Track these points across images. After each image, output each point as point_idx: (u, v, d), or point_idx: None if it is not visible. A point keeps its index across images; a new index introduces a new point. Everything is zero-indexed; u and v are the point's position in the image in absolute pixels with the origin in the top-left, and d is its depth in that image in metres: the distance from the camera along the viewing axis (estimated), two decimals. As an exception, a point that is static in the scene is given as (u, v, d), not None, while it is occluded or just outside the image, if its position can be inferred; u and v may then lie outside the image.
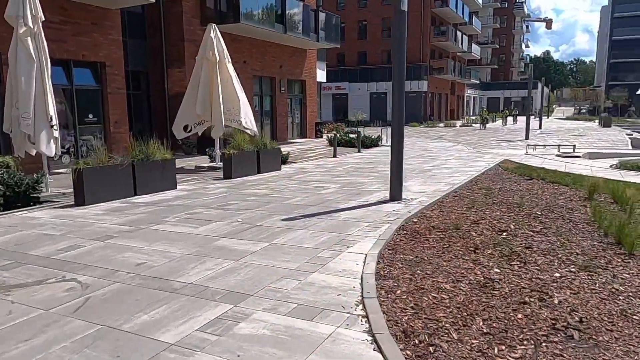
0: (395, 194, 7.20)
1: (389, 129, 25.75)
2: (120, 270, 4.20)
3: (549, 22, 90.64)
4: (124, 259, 4.53)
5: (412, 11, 42.29)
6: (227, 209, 6.84)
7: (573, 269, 4.23)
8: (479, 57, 61.74)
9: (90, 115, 12.69)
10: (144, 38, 16.55)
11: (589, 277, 4.07)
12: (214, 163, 12.65)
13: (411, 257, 4.44)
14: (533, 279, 3.95)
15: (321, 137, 24.43)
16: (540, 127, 36.86)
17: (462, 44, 48.03)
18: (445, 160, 14.19)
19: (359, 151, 17.68)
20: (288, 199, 7.59)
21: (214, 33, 11.83)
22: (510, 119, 43.62)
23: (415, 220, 5.92)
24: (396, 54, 6.93)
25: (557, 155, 15.85)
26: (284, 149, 17.24)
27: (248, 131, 12.07)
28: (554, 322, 3.16)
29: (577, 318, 3.23)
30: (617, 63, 66.57)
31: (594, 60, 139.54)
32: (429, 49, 43.22)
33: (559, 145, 20.47)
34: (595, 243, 5.16)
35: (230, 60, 12.22)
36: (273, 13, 18.19)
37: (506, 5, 73.96)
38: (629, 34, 64.76)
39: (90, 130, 12.77)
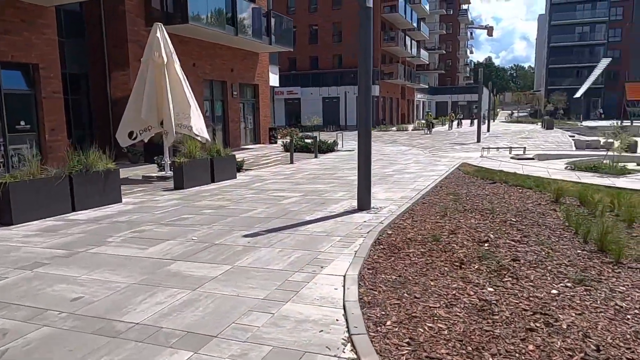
0: (364, 203, 6.73)
1: (344, 133, 25.34)
2: (50, 309, 3.45)
3: (490, 30, 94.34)
4: (55, 294, 3.77)
5: (363, 16, 42.57)
6: (180, 225, 6.12)
7: (568, 284, 3.89)
8: (427, 63, 63.09)
9: (23, 122, 11.48)
10: (83, 38, 15.36)
11: (587, 292, 3.74)
12: (164, 172, 11.77)
13: (394, 277, 3.95)
14: (531, 298, 3.56)
15: (275, 142, 23.80)
16: (488, 130, 37.82)
17: (411, 49, 48.80)
18: (405, 164, 13.95)
19: (315, 156, 17.21)
20: (247, 211, 6.95)
21: (161, 33, 11.00)
22: (455, 123, 44.28)
23: (389, 232, 5.46)
24: (362, 52, 6.48)
25: (511, 158, 16.02)
26: (238, 155, 16.50)
27: (199, 138, 11.30)
28: (570, 353, 2.75)
29: (592, 346, 2.84)
30: (555, 68, 69.88)
31: (532, 65, 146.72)
32: (380, 54, 43.56)
33: (510, 148, 20.86)
34: (579, 251, 4.89)
35: (178, 62, 11.42)
36: (223, 14, 17.44)
37: (451, 12, 76.21)
38: (564, 40, 68.20)
39: (23, 138, 11.55)
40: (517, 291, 3.70)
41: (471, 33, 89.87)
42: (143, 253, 4.82)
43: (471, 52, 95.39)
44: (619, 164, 12.77)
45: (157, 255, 4.72)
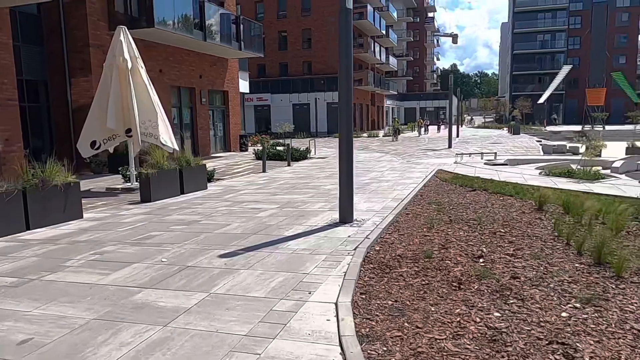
0: (346, 216, 6.35)
1: (316, 140, 24.97)
2: (-9, 356, 2.91)
3: (454, 37, 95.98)
4: None
5: (333, 22, 42.46)
6: (148, 244, 5.59)
7: (577, 304, 3.60)
8: (396, 69, 63.67)
9: (-28, 132, 10.64)
10: (41, 43, 14.50)
11: (598, 314, 3.45)
12: (129, 184, 11.11)
13: (391, 303, 3.57)
14: (542, 324, 3.24)
15: (246, 150, 23.25)
16: (458, 136, 38.23)
17: (380, 56, 49.06)
18: (381, 172, 13.68)
19: (289, 164, 16.77)
20: (222, 227, 6.46)
21: (125, 37, 10.40)
22: (422, 129, 43.96)
23: (377, 248, 5.09)
24: (343, 56, 6.14)
25: (485, 164, 16.00)
26: (209, 164, 15.89)
27: (166, 147, 10.72)
28: (602, 393, 2.43)
29: (623, 382, 2.53)
30: (518, 75, 71.80)
31: (496, 72, 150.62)
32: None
33: (482, 153, 20.98)
34: (576, 265, 4.64)
35: (144, 67, 10.83)
36: (191, 19, 16.86)
37: (418, 20, 77.34)
38: (527, 48, 70.17)
39: (-27, 149, 10.70)
40: (525, 315, 3.38)
41: (437, 40, 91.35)
42: (105, 279, 4.29)
43: (438, 59, 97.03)
44: (588, 168, 12.87)
45: (121, 282, 4.20)
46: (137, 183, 10.25)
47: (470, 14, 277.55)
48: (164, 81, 17.76)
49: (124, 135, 10.47)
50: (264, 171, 14.70)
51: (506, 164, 15.94)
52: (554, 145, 28.03)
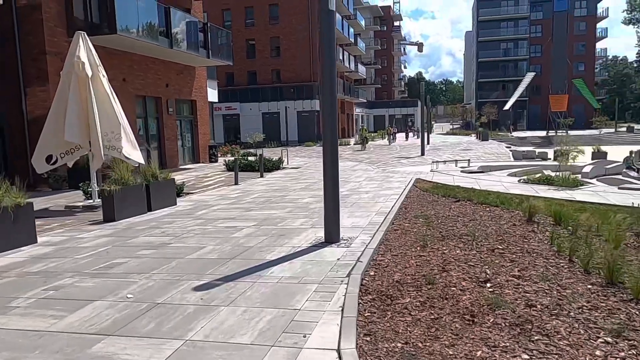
0: (333, 235, 5.83)
1: (288, 149, 24.38)
2: None
3: (420, 46, 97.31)
4: None
5: (301, 31, 42.19)
6: (111, 275, 4.92)
7: (608, 339, 3.18)
8: (365, 77, 63.89)
9: None
10: (-9, 50, 13.49)
11: (634, 349, 3.04)
12: (91, 201, 10.30)
13: (400, 345, 3.07)
14: (579, 367, 2.80)
15: (216, 161, 22.48)
16: (428, 143, 38.40)
17: (349, 64, 49.02)
18: (359, 182, 13.24)
19: (261, 176, 16.16)
20: (195, 250, 5.83)
21: (84, 42, 9.64)
22: (391, 137, 42.47)
23: (372, 273, 4.58)
24: (326, 60, 5.66)
25: (462, 171, 15.81)
26: (178, 177, 15.13)
27: (131, 160, 9.98)
28: None
29: None
30: (483, 82, 73.30)
31: (460, 79, 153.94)
32: (319, 68, 43.30)
33: (456, 161, 20.91)
34: (588, 286, 4.26)
35: (105, 75, 10.07)
36: (156, 25, 16.11)
37: (385, 29, 78.11)
38: (491, 56, 71.79)
39: None
40: (556, 356, 2.93)
41: (404, 49, 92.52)
42: (59, 324, 3.62)
43: (405, 67, 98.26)
44: (567, 174, 12.80)
45: (78, 328, 3.54)
46: (99, 200, 9.46)
47: (434, 24, 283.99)
48: (128, 90, 16.91)
49: (83, 148, 9.69)
50: (236, 183, 14.05)
51: (482, 172, 15.80)
52: (524, 151, 28.38)
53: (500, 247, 5.61)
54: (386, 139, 43.61)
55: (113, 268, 5.16)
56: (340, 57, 45.03)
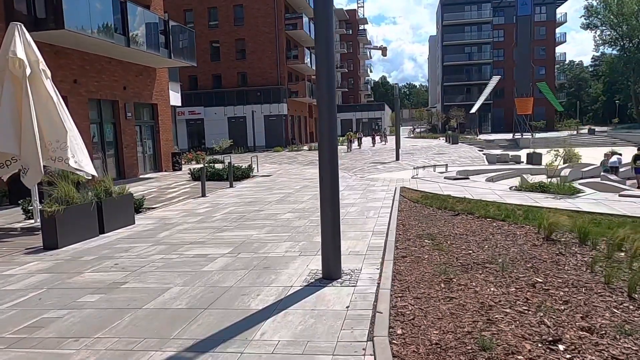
0: (333, 270, 4.65)
1: (259, 154, 23.00)
2: None
3: (384, 50, 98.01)
4: None
5: (267, 32, 40.89)
6: (37, 342, 3.57)
7: None
8: (332, 81, 63.06)
9: None
10: None
11: None
12: (32, 221, 8.77)
13: None
14: None
15: (180, 169, 20.92)
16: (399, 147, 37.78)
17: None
18: (341, 192, 12.11)
19: (231, 185, 14.81)
20: (156, 294, 4.53)
21: (21, 36, 8.13)
22: (354, 143, 37.77)
23: (399, 331, 3.42)
24: (323, 47, 4.52)
25: (445, 178, 14.95)
26: (137, 189, 13.60)
27: (82, 173, 8.53)
28: None
29: None
30: (448, 86, 73.82)
31: (422, 84, 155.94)
32: (286, 71, 42.11)
33: (434, 166, 20.15)
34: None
35: (49, 75, 8.58)
36: (111, 21, 14.55)
37: (350, 32, 77.65)
38: (456, 60, 72.35)
39: None
40: None
41: (369, 52, 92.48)
42: None
43: (370, 71, 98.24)
44: (560, 180, 12.09)
45: None
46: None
47: (395, 29, 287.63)
48: (80, 93, 15.26)
49: (22, 160, 8.16)
50: (203, 195, 12.67)
51: (467, 177, 14.99)
52: (497, 155, 28.07)
53: (538, 279, 4.58)
54: (345, 146, 36.17)
55: (41, 330, 3.79)
56: (307, 60, 44.01)
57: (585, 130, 56.20)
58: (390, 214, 8.34)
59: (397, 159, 24.32)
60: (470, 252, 5.66)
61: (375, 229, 7.05)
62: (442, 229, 7.03)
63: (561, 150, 13.64)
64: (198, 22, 41.20)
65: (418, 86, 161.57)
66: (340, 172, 16.95)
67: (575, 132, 55.71)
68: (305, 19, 43.16)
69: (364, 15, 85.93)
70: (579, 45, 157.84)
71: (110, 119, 17.32)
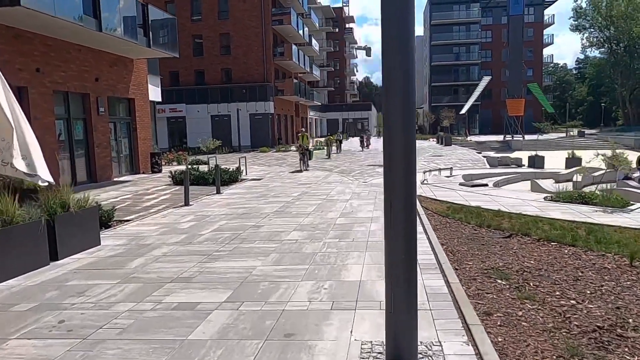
0: (407, 349, 2.87)
1: (246, 155, 21.06)
2: None
3: (368, 50, 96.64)
4: None
5: (253, 27, 38.94)
6: None
7: None
8: (319, 79, 61.36)
9: None
10: None
11: None
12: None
13: None
14: None
15: (160, 171, 18.92)
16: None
17: (304, 64, 46.23)
18: (348, 202, 10.36)
19: (218, 192, 12.93)
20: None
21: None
22: (333, 147, 30.74)
23: None
24: (398, 59, 2.76)
25: (461, 184, 13.32)
26: (109, 195, 11.61)
27: (34, 178, 6.62)
28: None
29: None
30: (436, 86, 72.72)
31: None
32: (273, 68, 40.20)
33: (439, 169, 18.58)
34: None
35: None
36: (79, 1, 12.54)
37: (337, 31, 75.95)
38: (444, 60, 71.27)
39: None
40: None
41: (355, 52, 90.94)
42: None
43: (357, 71, 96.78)
44: (603, 191, 10.57)
45: None
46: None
47: (378, 30, 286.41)
48: (43, 84, 13.22)
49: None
50: (186, 204, 10.80)
51: (485, 185, 13.39)
52: (499, 158, 26.68)
53: None
54: (325, 149, 29.62)
55: None
56: (295, 58, 42.19)
57: (575, 133, 55.54)
58: (427, 235, 6.62)
59: (396, 161, 22.65)
60: (574, 303, 3.98)
61: (421, 260, 5.32)
62: (506, 260, 5.35)
63: (608, 152, 12.05)
64: (180, 14, 38.86)
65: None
66: (337, 176, 15.06)
67: (564, 135, 55.03)
68: (293, 14, 41.34)
69: (348, 13, 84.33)
70: (557, 48, 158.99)
71: (80, 114, 15.28)
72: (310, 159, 21.58)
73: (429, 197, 10.80)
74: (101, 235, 7.47)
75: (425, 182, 14.08)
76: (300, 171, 19.09)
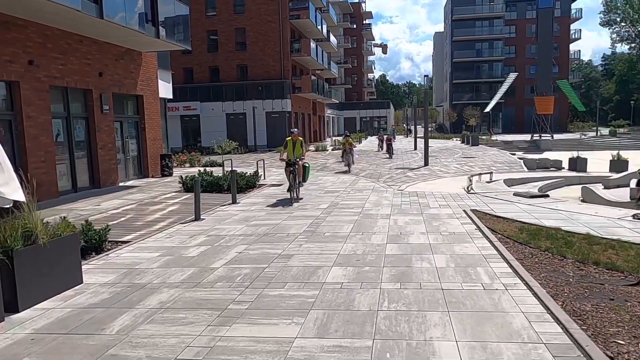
0: None
1: (262, 156, 19.21)
2: None
3: (384, 47, 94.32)
4: None
5: (270, 21, 37.28)
6: None
7: None
8: (337, 76, 59.50)
9: None
10: None
11: None
12: None
13: None
14: None
15: (170, 174, 17.32)
16: (415, 148, 34.49)
17: (322, 60, 44.42)
18: (391, 217, 8.56)
19: (234, 201, 11.25)
20: None
21: None
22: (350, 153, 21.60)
23: None
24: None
25: (516, 194, 11.43)
26: (110, 204, 9.90)
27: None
28: None
29: None
30: (458, 84, 70.20)
31: (421, 82, 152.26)
32: (290, 64, 38.49)
33: (479, 174, 16.68)
34: None
35: None
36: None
37: (355, 27, 73.90)
38: (466, 56, 68.76)
39: None
40: None
41: (372, 48, 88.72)
42: None
43: (374, 68, 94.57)
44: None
45: None
46: None
47: (392, 28, 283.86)
48: (38, 78, 11.68)
49: None
50: (196, 218, 9.12)
51: (547, 195, 11.47)
52: (537, 160, 24.62)
53: None
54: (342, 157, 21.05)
55: None
56: (313, 54, 40.41)
57: (606, 132, 52.79)
58: (522, 279, 4.80)
59: (426, 163, 20.81)
60: None
61: (543, 333, 3.50)
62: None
63: None
64: (194, 9, 37.28)
65: (417, 85, 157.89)
66: (366, 181, 13.09)
67: (594, 134, 52.39)
68: (312, 8, 39.56)
69: (365, 8, 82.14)
70: (576, 45, 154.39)
71: (81, 112, 13.73)
72: (305, 180, 11.93)
73: (486, 212, 8.96)
74: (86, 267, 5.82)
75: (471, 190, 12.22)
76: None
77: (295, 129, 11.91)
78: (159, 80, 17.88)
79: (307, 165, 11.97)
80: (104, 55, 14.28)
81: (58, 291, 5.01)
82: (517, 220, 8.02)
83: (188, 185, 12.82)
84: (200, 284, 5.12)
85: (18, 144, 11.26)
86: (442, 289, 4.58)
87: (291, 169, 11.15)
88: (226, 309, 4.32)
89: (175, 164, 21.31)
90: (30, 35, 11.47)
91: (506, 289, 4.51)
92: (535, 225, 7.59)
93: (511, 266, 5.23)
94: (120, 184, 14.86)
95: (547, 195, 11.28)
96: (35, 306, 4.62)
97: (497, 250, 5.98)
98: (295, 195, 11.23)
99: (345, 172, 17.98)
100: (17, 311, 4.47)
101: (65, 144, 13.06)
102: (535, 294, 4.31)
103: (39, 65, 11.70)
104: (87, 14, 11.16)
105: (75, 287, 5.19)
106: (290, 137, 11.55)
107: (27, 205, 4.80)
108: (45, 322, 4.20)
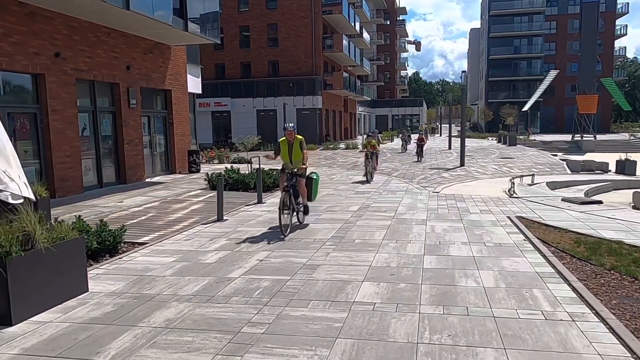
0: None
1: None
2: None
3: (418, 45, 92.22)
4: None
5: (302, 17, 36.73)
6: None
7: None
8: (369, 73, 58.51)
9: None
10: None
11: None
12: None
13: None
14: None
15: (197, 171, 16.99)
16: (450, 147, 33.35)
17: (355, 57, 43.60)
18: (427, 223, 7.83)
19: (259, 201, 10.72)
20: None
21: None
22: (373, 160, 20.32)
23: None
24: None
25: (565, 200, 10.47)
26: (133, 201, 9.41)
27: (4, 194, 4.61)
28: None
29: None
30: (495, 81, 67.99)
31: (455, 80, 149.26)
32: (322, 60, 37.85)
33: (521, 177, 15.65)
34: None
35: None
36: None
37: (388, 23, 72.60)
38: (503, 53, 66.45)
39: None
40: None
41: (406, 45, 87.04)
42: None
43: (407, 66, 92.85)
44: None
45: None
46: None
47: (425, 26, 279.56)
48: (64, 71, 11.44)
49: None
50: (219, 219, 8.61)
51: (600, 202, 10.46)
52: (582, 162, 23.21)
53: None
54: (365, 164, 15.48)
55: None
56: (346, 50, 39.65)
57: (652, 133, 49.94)
58: (591, 308, 4.02)
59: (462, 164, 19.82)
60: None
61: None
62: None
63: None
64: (227, 5, 37.19)
65: (451, 83, 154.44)
66: (399, 182, 12.09)
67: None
68: (345, 3, 38.78)
69: (399, 4, 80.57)
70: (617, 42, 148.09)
71: (108, 107, 13.48)
72: (310, 200, 8.22)
73: (534, 220, 8.11)
74: (95, 273, 5.36)
75: (513, 194, 11.30)
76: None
77: (291, 124, 7.73)
78: (188, 75, 17.57)
79: (314, 177, 8.17)
80: (132, 49, 13.99)
81: (59, 301, 4.54)
82: (570, 230, 7.16)
83: (213, 183, 12.37)
84: (214, 297, 4.56)
85: (43, 137, 11.04)
86: (494, 317, 3.85)
87: (286, 184, 7.44)
88: (239, 332, 3.73)
89: (204, 160, 21.02)
90: (57, 27, 11.23)
91: (573, 321, 3.75)
92: (592, 237, 6.72)
93: (574, 289, 4.46)
94: (147, 180, 14.58)
95: (601, 202, 10.27)
96: (32, 319, 4.15)
97: (554, 267, 5.19)
98: (288, 222, 7.41)
99: (363, 183, 14.29)
100: (11, 324, 4.00)
101: (91, 138, 12.83)
102: (611, 329, 3.55)
103: (65, 58, 11.46)
104: (112, 4, 10.81)
105: (79, 297, 4.71)
106: (284, 137, 7.77)
107: (23, 206, 4.33)
108: (36, 341, 3.70)
